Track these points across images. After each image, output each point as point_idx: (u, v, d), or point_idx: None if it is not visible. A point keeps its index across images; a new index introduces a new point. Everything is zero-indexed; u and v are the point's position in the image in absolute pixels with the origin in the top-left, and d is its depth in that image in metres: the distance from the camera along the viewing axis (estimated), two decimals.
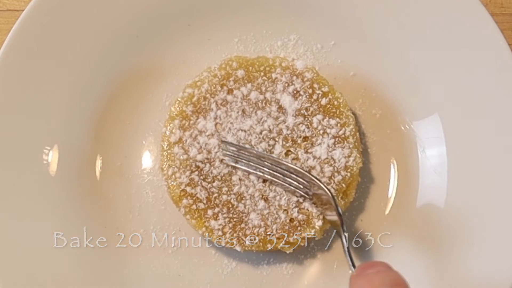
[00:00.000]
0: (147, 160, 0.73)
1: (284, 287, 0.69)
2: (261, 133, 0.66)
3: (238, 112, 0.67)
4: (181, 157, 0.66)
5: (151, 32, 0.73)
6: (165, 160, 0.66)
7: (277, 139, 0.66)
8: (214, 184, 0.65)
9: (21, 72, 0.68)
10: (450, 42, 0.69)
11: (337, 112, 0.67)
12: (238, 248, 0.65)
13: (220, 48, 0.75)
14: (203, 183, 0.65)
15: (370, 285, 0.48)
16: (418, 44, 0.71)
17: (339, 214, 0.61)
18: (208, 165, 0.66)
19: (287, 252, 0.66)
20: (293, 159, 0.66)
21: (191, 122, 0.67)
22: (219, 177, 0.66)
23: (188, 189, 0.65)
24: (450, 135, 0.70)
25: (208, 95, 0.67)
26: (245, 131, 0.66)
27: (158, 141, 0.73)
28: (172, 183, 0.66)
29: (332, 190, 0.64)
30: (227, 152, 0.65)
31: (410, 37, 0.71)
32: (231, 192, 0.65)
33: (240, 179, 0.66)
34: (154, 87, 0.74)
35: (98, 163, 0.72)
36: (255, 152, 0.64)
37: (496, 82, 0.68)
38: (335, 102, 0.67)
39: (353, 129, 0.67)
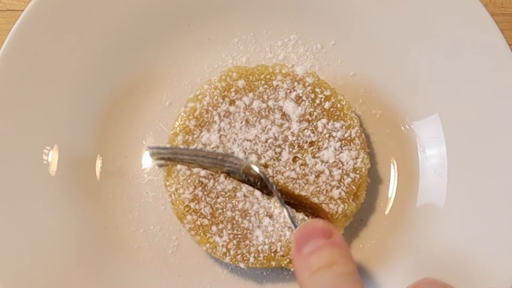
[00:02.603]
0: (147, 160, 0.72)
1: (284, 287, 0.69)
2: (266, 141, 0.66)
3: (241, 122, 0.67)
4: (185, 173, 0.66)
5: (151, 32, 0.73)
6: (169, 175, 0.66)
7: (283, 146, 0.66)
8: (219, 200, 0.65)
9: (21, 72, 0.68)
10: (450, 42, 0.69)
11: (341, 115, 0.67)
12: (242, 265, 0.64)
13: (220, 48, 0.75)
14: (207, 199, 0.65)
15: (309, 271, 0.46)
16: (418, 44, 0.71)
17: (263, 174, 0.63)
18: (212, 180, 0.65)
19: (292, 269, 0.66)
20: (301, 164, 0.66)
21: (195, 136, 0.66)
22: (223, 193, 0.65)
23: (192, 205, 0.65)
24: (450, 135, 0.70)
25: (210, 108, 0.67)
26: (250, 140, 0.66)
27: (158, 141, 0.73)
28: (176, 198, 0.65)
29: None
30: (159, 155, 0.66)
31: (410, 37, 0.71)
32: (236, 209, 0.65)
33: (244, 195, 0.65)
34: (154, 87, 0.74)
35: (98, 163, 0.72)
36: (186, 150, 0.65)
37: (496, 82, 0.68)
38: (338, 105, 0.67)
39: (359, 131, 0.67)
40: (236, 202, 0.65)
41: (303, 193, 0.65)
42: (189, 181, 0.65)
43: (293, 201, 0.68)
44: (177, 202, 0.65)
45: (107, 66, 0.72)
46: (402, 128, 0.73)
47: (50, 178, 0.69)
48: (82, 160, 0.71)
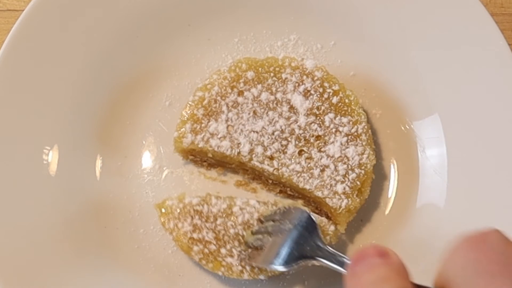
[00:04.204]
0: (147, 160, 0.72)
1: (284, 287, 0.69)
2: (273, 133, 0.66)
3: (249, 113, 0.67)
4: (178, 206, 0.65)
5: (151, 32, 0.73)
6: (163, 215, 0.65)
7: (289, 139, 0.66)
8: (218, 222, 0.64)
9: (21, 72, 0.68)
10: (450, 42, 0.69)
11: (349, 110, 0.67)
12: (262, 277, 0.63)
13: (220, 48, 0.75)
14: (207, 225, 0.64)
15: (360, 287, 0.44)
16: (418, 44, 0.71)
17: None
18: (205, 205, 0.65)
19: (309, 264, 0.65)
20: (307, 158, 0.66)
21: (203, 125, 0.67)
22: (220, 213, 0.64)
23: (195, 235, 0.64)
24: (450, 135, 0.70)
25: (218, 98, 0.67)
26: (257, 132, 0.66)
27: (158, 141, 0.73)
28: (177, 233, 0.64)
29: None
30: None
31: (410, 37, 0.71)
32: (237, 224, 0.64)
33: (241, 208, 0.65)
34: (154, 87, 0.74)
35: (98, 163, 0.72)
36: None
37: (496, 82, 0.68)
38: (346, 100, 0.67)
39: (365, 127, 0.67)
40: (235, 218, 0.64)
41: (307, 187, 0.65)
42: (184, 213, 0.64)
43: (297, 195, 0.68)
44: (180, 237, 0.64)
45: (107, 66, 0.72)
46: (402, 128, 0.73)
47: (50, 178, 0.69)
48: (82, 160, 0.71)
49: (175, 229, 0.65)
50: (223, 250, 0.63)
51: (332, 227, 0.64)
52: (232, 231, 0.64)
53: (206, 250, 0.63)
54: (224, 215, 0.64)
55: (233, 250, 0.63)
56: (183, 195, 0.66)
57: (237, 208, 0.65)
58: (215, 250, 0.63)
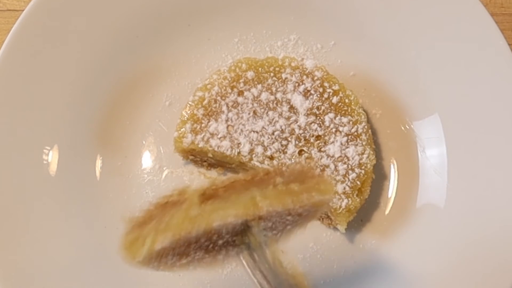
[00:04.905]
0: (147, 160, 0.72)
1: None
2: (273, 133, 0.66)
3: (249, 113, 0.67)
4: (152, 257, 0.52)
5: (151, 32, 0.73)
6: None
7: (289, 139, 0.66)
8: (202, 241, 0.49)
9: (21, 72, 0.68)
10: (450, 42, 0.69)
11: (349, 110, 0.67)
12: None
13: (220, 48, 0.75)
14: (191, 245, 0.50)
15: None
16: (418, 44, 0.71)
17: None
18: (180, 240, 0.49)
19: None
20: (307, 158, 0.66)
21: (203, 125, 0.67)
22: (200, 234, 0.49)
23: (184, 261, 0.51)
24: (450, 135, 0.70)
25: (218, 98, 0.67)
26: (257, 132, 0.66)
27: (158, 141, 0.73)
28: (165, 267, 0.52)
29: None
30: None
31: (410, 37, 0.71)
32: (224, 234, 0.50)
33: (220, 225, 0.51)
34: (154, 87, 0.74)
35: (98, 163, 0.72)
36: None
37: (496, 82, 0.68)
38: (346, 100, 0.67)
39: (365, 126, 0.67)
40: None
41: None
42: (160, 255, 0.51)
43: None
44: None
45: (107, 66, 0.72)
46: (402, 128, 0.73)
47: (50, 178, 0.69)
48: (82, 160, 0.71)
49: (161, 264, 0.52)
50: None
51: (344, 202, 0.64)
52: (220, 242, 0.51)
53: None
54: (206, 234, 0.49)
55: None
56: (152, 248, 0.51)
57: (216, 224, 0.48)
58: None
